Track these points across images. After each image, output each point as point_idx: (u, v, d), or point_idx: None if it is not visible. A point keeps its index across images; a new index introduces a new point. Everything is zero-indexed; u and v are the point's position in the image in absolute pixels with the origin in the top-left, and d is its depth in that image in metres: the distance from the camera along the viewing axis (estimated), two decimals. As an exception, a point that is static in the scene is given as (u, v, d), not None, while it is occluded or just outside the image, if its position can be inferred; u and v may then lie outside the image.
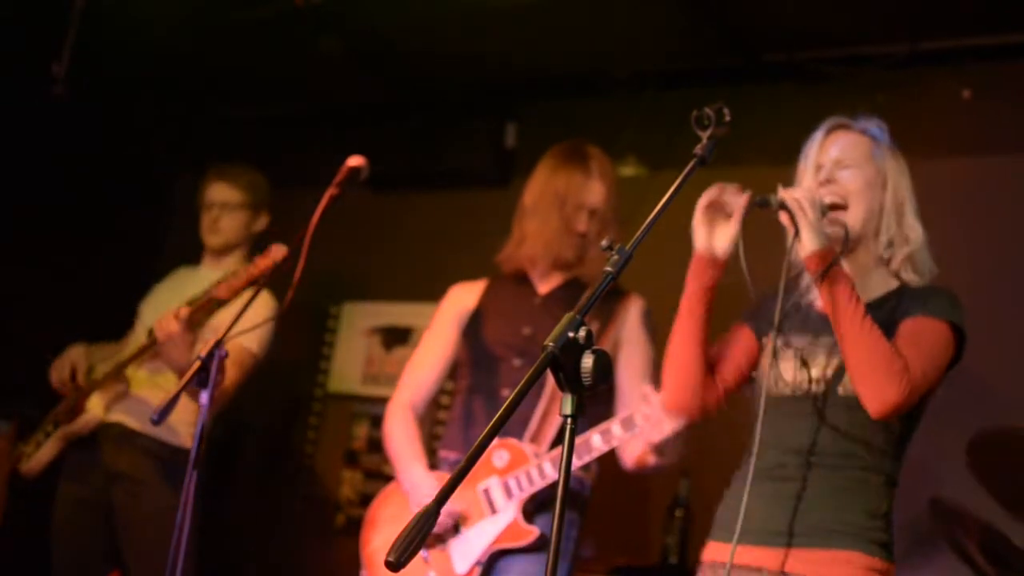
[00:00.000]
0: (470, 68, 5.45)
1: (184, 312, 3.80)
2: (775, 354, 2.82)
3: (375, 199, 5.76)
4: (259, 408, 5.81)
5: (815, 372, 2.77)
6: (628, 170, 5.25)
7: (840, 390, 2.73)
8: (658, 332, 3.85)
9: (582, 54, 5.20)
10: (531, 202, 3.86)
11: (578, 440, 3.46)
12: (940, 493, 3.70)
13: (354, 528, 5.56)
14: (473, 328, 3.87)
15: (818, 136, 2.92)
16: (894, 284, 2.87)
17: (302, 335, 5.97)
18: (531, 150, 5.52)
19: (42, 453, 4.33)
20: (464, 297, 3.95)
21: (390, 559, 1.62)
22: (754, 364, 2.97)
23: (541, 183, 3.85)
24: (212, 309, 3.90)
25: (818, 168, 2.88)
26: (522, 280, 3.88)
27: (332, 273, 5.44)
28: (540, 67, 5.40)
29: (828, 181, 2.84)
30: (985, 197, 4.53)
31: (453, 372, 4.64)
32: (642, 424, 3.35)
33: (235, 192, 4.49)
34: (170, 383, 4.17)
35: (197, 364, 3.07)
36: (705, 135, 2.30)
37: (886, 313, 2.76)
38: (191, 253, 4.70)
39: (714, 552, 2.83)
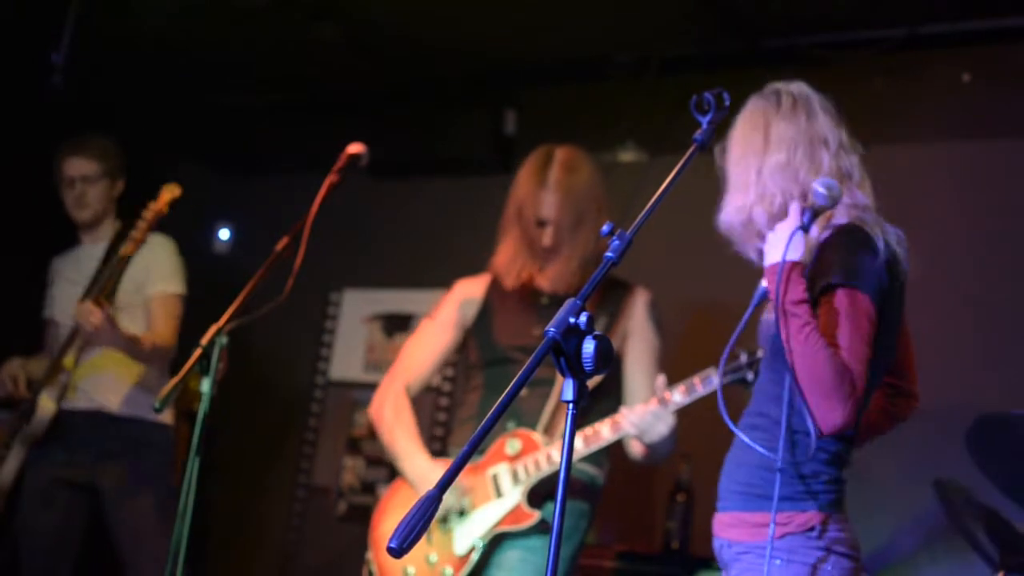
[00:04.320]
0: (469, 55, 5.45)
1: (92, 305, 4.06)
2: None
3: (375, 186, 5.76)
4: (261, 396, 5.83)
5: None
6: (627, 155, 5.25)
7: (759, 352, 2.84)
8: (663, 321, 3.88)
9: (581, 40, 5.20)
10: (505, 212, 3.88)
11: (588, 430, 3.49)
12: (943, 474, 3.70)
13: (356, 515, 5.61)
14: (481, 328, 3.87)
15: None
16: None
17: (303, 323, 5.98)
18: (531, 137, 5.52)
19: (9, 464, 4.38)
20: (469, 292, 3.94)
21: (392, 545, 1.62)
22: None
23: (512, 192, 3.86)
24: (123, 269, 4.23)
25: None
26: (527, 279, 3.86)
27: (332, 260, 5.44)
28: (539, 54, 5.39)
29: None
30: (984, 180, 4.53)
31: (453, 367, 4.66)
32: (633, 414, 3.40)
33: (93, 164, 4.51)
34: (107, 361, 4.32)
35: (198, 352, 3.08)
36: (705, 120, 2.30)
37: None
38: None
39: None
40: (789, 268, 2.54)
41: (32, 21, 5.10)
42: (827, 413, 2.48)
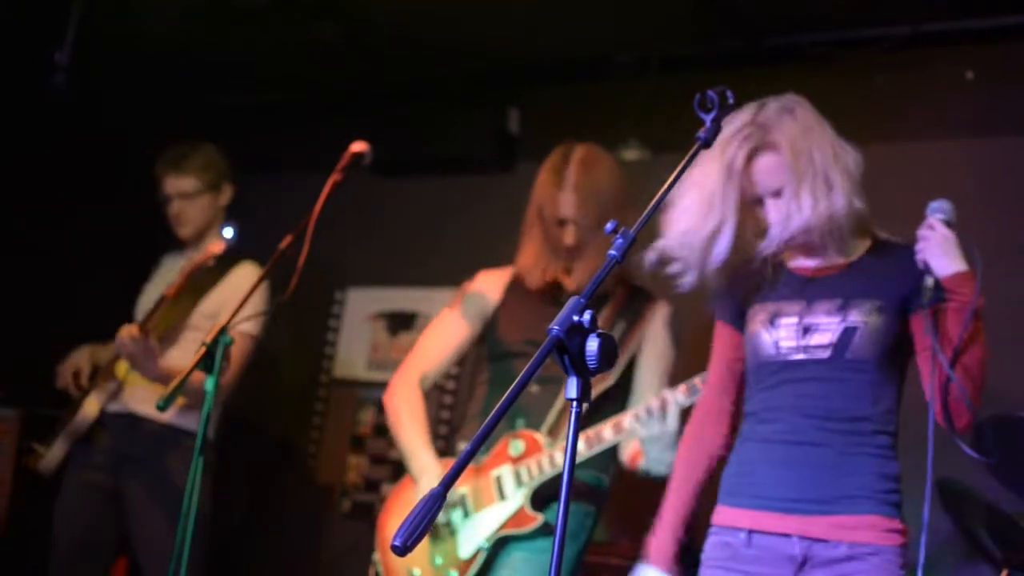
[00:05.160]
0: (472, 53, 5.45)
1: (135, 331, 3.92)
2: (771, 321, 2.89)
3: (379, 185, 5.76)
4: (265, 394, 5.83)
5: (820, 337, 2.82)
6: (631, 154, 5.25)
7: (848, 354, 2.79)
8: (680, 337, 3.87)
9: (584, 39, 5.20)
10: (526, 214, 3.87)
11: (590, 432, 3.49)
12: (946, 474, 3.70)
13: (360, 513, 5.61)
14: (496, 322, 3.85)
15: (737, 162, 2.86)
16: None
17: (307, 321, 5.98)
18: (534, 135, 5.54)
19: (54, 452, 4.36)
20: (487, 284, 3.93)
21: (396, 543, 1.62)
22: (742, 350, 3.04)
23: (533, 194, 3.85)
24: (168, 310, 4.12)
25: (756, 201, 2.90)
26: (552, 279, 3.82)
27: (336, 259, 5.45)
28: (542, 52, 5.39)
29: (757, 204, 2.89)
30: (987, 178, 4.53)
31: (458, 365, 4.62)
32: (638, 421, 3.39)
33: (190, 180, 4.43)
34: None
35: (202, 351, 3.08)
36: (708, 118, 2.31)
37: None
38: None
39: (727, 517, 2.89)
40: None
41: (34, 21, 5.11)
42: (976, 411, 2.72)
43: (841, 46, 4.77)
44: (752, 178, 2.86)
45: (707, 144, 2.30)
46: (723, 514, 2.91)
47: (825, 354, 2.81)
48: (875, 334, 2.77)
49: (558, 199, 3.72)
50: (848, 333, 2.78)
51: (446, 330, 3.92)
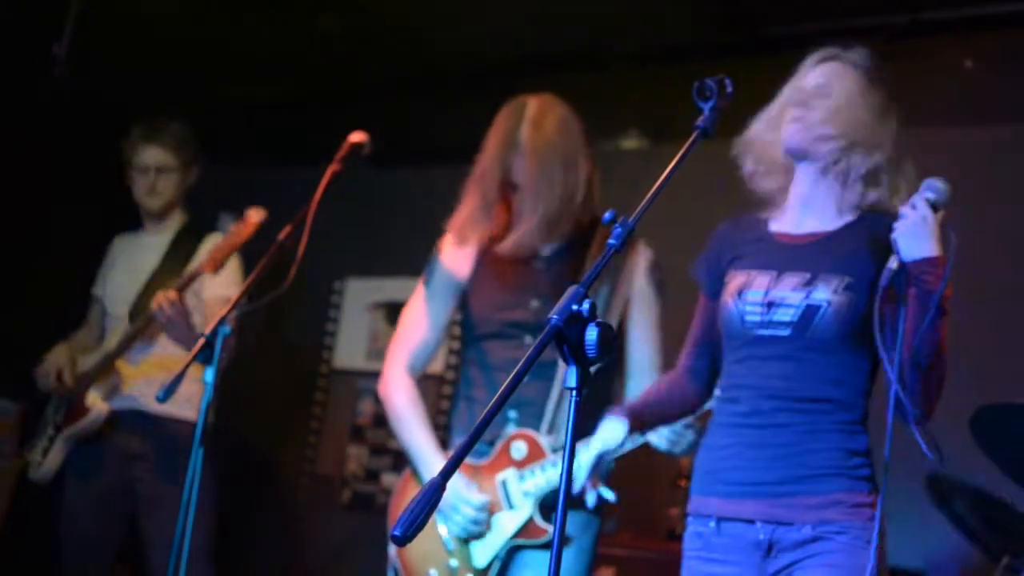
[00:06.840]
0: (471, 44, 5.44)
1: (174, 296, 3.93)
2: (739, 293, 2.81)
3: (377, 175, 5.76)
4: (265, 385, 5.84)
5: (782, 314, 2.74)
6: (630, 143, 5.25)
7: (809, 333, 2.71)
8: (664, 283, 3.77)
9: (583, 29, 5.19)
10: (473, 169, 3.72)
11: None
12: (937, 470, 3.69)
13: (360, 503, 5.62)
14: (467, 301, 3.70)
15: (807, 63, 2.94)
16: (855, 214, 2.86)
17: (306, 312, 5.98)
18: (533, 125, 5.51)
19: (51, 459, 4.32)
20: (457, 259, 3.77)
21: (396, 533, 1.62)
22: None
23: (483, 149, 3.69)
24: (160, 284, 4.16)
25: (798, 90, 2.87)
26: (487, 244, 3.69)
27: (335, 249, 5.44)
28: (542, 42, 5.39)
29: (801, 103, 2.85)
30: (986, 166, 4.53)
31: (457, 355, 4.58)
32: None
33: (169, 155, 4.48)
34: (153, 368, 4.25)
35: (201, 342, 3.08)
36: (707, 107, 2.30)
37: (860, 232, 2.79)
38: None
39: (698, 505, 2.84)
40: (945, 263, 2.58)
41: (33, 14, 5.10)
42: (936, 403, 2.66)
43: (841, 35, 4.76)
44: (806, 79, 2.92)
45: (705, 133, 2.29)
46: (695, 502, 2.86)
47: (786, 331, 2.72)
48: (838, 314, 2.68)
49: (512, 163, 3.60)
50: (810, 311, 2.70)
51: (420, 310, 3.77)
